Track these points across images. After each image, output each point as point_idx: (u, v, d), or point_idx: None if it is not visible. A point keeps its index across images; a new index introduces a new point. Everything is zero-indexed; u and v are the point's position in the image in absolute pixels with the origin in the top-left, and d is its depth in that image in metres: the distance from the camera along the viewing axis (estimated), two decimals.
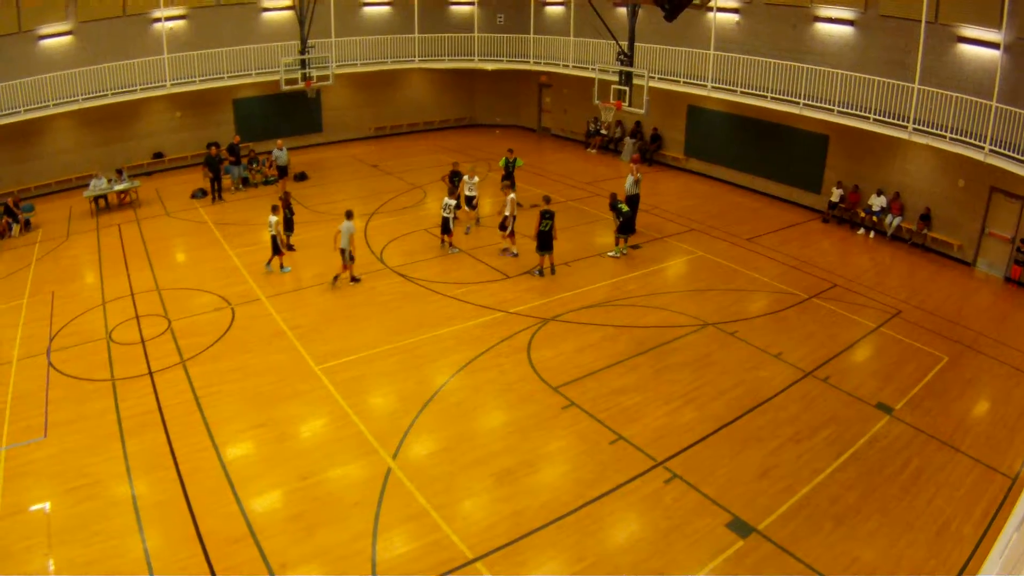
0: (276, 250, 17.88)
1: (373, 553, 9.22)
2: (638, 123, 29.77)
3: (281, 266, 18.14)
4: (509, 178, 22.57)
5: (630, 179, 20.26)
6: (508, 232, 18.87)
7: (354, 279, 17.45)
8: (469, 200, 20.67)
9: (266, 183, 26.03)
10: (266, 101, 29.45)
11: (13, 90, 22.63)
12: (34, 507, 10.03)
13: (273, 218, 17.65)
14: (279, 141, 25.28)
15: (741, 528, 9.75)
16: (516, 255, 18.91)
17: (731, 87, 23.68)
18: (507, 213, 18.83)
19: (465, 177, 20.56)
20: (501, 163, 22.72)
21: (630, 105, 20.88)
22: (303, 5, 25.52)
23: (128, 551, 9.18)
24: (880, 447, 11.56)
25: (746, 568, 9.10)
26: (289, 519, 9.85)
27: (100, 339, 14.81)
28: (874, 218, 21.52)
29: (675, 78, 25.32)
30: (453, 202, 18.80)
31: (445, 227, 19.05)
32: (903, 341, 15.17)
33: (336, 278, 17.25)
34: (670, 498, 10.35)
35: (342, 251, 16.97)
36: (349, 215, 17.21)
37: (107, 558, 9.07)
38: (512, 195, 18.94)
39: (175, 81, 26.11)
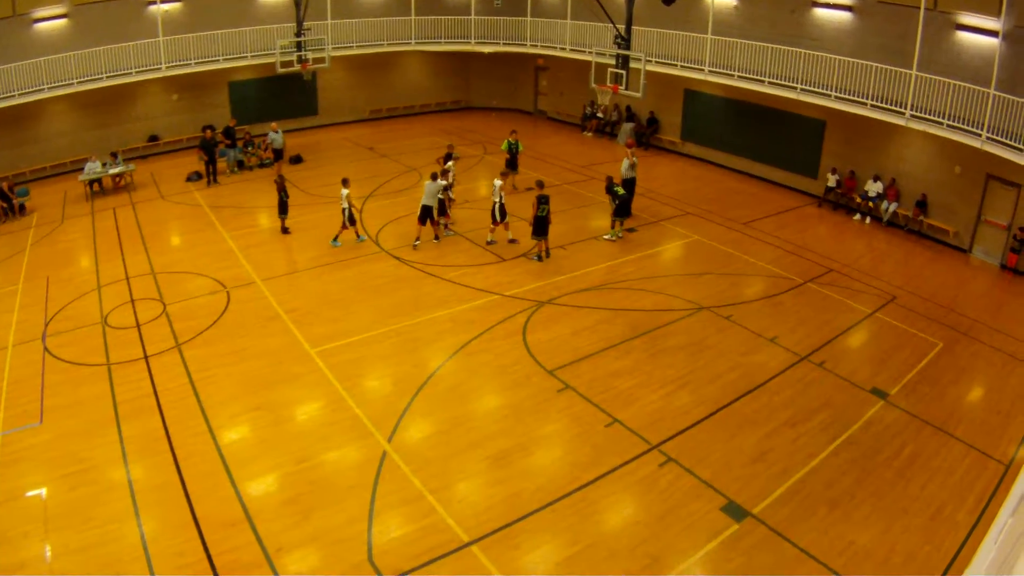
0: (351, 222, 18.35)
1: (369, 536, 9.26)
2: (628, 107, 29.64)
3: (357, 235, 18.78)
4: (512, 162, 22.45)
5: (626, 162, 20.20)
6: (502, 222, 18.51)
7: (442, 235, 19.05)
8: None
9: (261, 166, 25.91)
10: (262, 84, 29.24)
11: (7, 74, 22.42)
12: (30, 493, 10.03)
13: (344, 191, 17.99)
14: (274, 124, 25.13)
15: (736, 512, 9.80)
16: (515, 240, 18.81)
17: (728, 71, 23.56)
18: (495, 200, 18.33)
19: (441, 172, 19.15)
20: (504, 146, 22.56)
21: (627, 89, 20.81)
22: None
23: (124, 536, 9.20)
24: (875, 432, 11.62)
25: (741, 552, 9.15)
26: (285, 503, 9.87)
27: (95, 324, 14.77)
28: (870, 204, 21.50)
29: (672, 62, 25.16)
30: (443, 183, 18.65)
31: (441, 209, 18.98)
32: (898, 327, 15.21)
33: (417, 240, 18.45)
34: (665, 481, 10.39)
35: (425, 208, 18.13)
36: (434, 177, 18.17)
37: (104, 543, 9.09)
38: (499, 182, 18.25)
39: (170, 64, 25.89)
